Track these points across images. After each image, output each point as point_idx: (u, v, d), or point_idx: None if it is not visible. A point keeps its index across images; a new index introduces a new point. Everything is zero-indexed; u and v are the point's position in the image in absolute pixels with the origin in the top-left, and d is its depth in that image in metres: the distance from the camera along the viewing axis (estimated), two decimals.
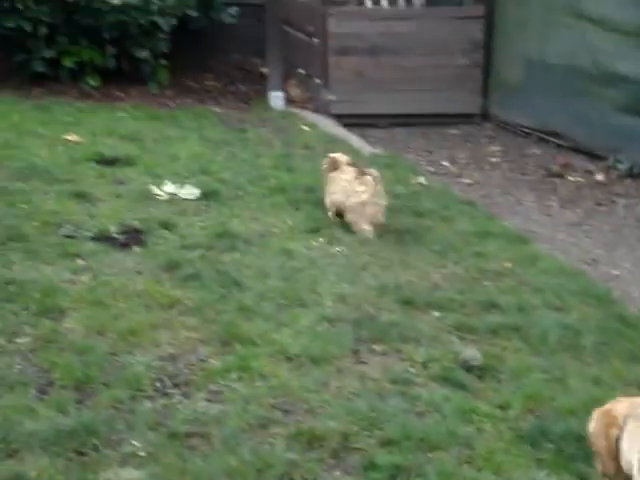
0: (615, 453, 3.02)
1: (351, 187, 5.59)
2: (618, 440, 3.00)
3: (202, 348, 4.01)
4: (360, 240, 5.46)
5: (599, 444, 3.07)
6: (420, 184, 6.83)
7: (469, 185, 7.24)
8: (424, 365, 4.03)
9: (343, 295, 4.64)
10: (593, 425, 3.11)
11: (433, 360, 4.05)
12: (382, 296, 4.68)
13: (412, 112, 8.89)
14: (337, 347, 4.07)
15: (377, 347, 4.16)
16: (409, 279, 4.94)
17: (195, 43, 9.90)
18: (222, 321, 4.23)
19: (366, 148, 7.94)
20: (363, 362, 4.03)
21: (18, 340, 3.91)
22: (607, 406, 3.12)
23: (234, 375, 3.78)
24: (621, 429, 3.00)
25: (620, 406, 3.07)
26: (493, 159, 7.98)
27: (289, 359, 3.95)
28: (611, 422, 3.03)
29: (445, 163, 7.82)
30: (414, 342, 4.22)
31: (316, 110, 9.05)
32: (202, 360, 3.91)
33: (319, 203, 6.00)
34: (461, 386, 3.86)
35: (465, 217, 6.10)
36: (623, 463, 3.00)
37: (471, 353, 4.09)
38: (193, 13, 9.20)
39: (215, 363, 3.88)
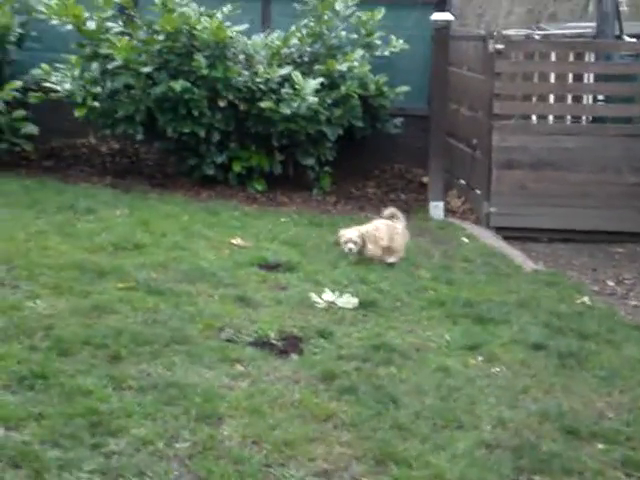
0: None
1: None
2: None
3: (356, 465, 3.95)
4: (521, 360, 5.31)
5: None
6: (584, 304, 6.60)
7: (636, 307, 6.94)
8: None
9: (502, 419, 4.49)
10: None
11: None
12: (543, 423, 4.50)
13: (576, 228, 8.71)
14: (496, 475, 3.93)
15: (538, 478, 3.98)
16: (572, 406, 4.73)
17: (359, 151, 10.11)
18: (377, 439, 4.16)
19: (527, 263, 7.77)
20: None
21: (177, 445, 3.96)
22: None
23: None
24: None
25: None
26: None
27: None
28: None
29: (610, 283, 7.55)
30: (577, 475, 4.02)
31: (476, 222, 9.00)
32: (356, 479, 3.85)
33: (478, 318, 5.92)
34: None
35: (632, 342, 5.83)
36: None
37: None
38: (359, 123, 9.41)
39: None
